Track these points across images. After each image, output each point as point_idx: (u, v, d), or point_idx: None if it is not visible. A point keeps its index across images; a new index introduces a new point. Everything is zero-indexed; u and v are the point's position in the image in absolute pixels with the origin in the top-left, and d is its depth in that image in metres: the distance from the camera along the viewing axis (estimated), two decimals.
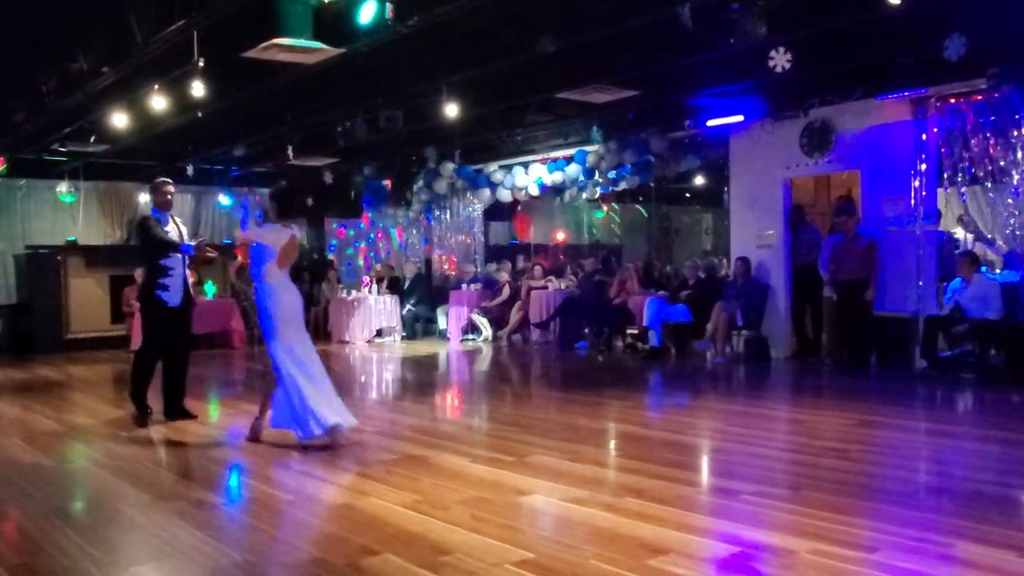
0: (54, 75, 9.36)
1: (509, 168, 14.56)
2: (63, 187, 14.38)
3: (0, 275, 14.28)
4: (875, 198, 9.84)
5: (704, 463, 5.66)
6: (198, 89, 8.33)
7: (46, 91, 9.56)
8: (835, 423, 6.48)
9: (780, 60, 8.03)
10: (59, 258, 13.83)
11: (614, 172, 12.96)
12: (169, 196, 7.10)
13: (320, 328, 15.22)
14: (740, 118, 10.55)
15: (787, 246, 10.75)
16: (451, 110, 10.24)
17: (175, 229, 7.10)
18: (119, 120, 10.39)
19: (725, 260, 12.77)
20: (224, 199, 16.35)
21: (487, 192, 14.91)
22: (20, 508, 4.64)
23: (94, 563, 3.66)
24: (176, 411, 7.14)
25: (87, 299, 14.14)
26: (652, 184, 15.21)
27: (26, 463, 5.82)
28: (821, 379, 9.40)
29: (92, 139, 12.14)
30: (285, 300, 6.01)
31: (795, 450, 5.75)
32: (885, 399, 7.68)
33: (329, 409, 5.85)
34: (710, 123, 10.91)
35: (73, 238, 14.58)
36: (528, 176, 14.11)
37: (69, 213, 14.86)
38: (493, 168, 14.83)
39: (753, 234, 11.00)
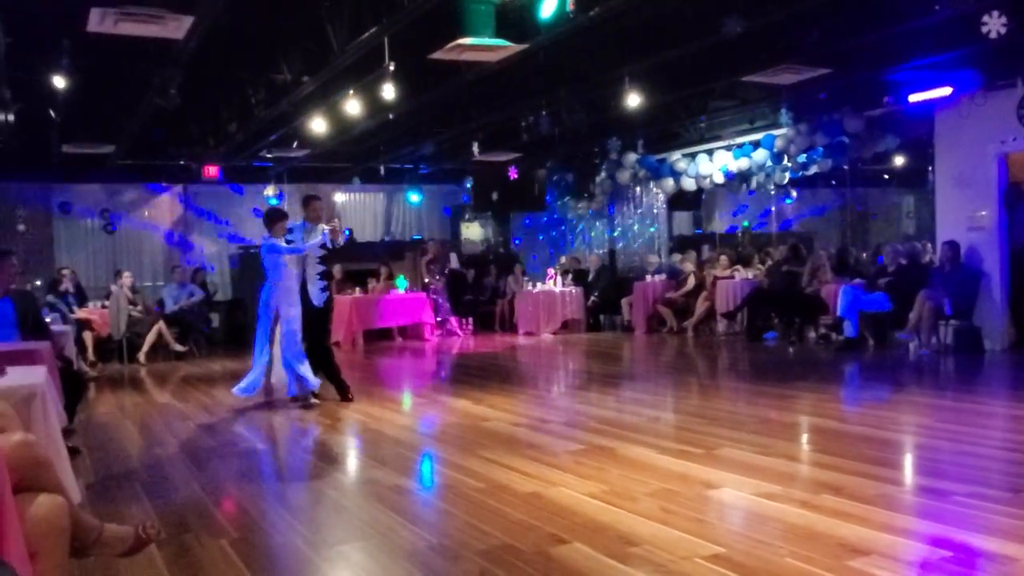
0: (262, 87, 10.12)
1: (692, 156, 14.28)
2: (270, 190, 15.50)
3: (217, 274, 15.57)
4: None
5: (908, 460, 5.31)
6: (389, 92, 8.73)
7: (255, 102, 10.35)
8: None
9: (994, 25, 7.37)
10: None
11: (804, 156, 12.42)
12: (318, 211, 7.98)
13: (506, 320, 15.55)
14: (947, 91, 9.79)
15: (1003, 228, 9.87)
16: (633, 100, 10.15)
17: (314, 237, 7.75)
18: (318, 125, 11.05)
19: (929, 245, 11.93)
20: (414, 196, 17.06)
21: (670, 181, 14.70)
22: (240, 487, 5.04)
23: (304, 540, 3.92)
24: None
25: None
26: (846, 167, 14.43)
27: (242, 447, 6.33)
28: None
29: (295, 144, 12.98)
30: (274, 292, 7.70)
31: (1014, 449, 5.28)
32: None
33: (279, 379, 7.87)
34: (912, 98, 10.21)
35: None
36: (712, 164, 13.79)
37: None
38: (676, 157, 14.59)
39: (963, 216, 10.18)
